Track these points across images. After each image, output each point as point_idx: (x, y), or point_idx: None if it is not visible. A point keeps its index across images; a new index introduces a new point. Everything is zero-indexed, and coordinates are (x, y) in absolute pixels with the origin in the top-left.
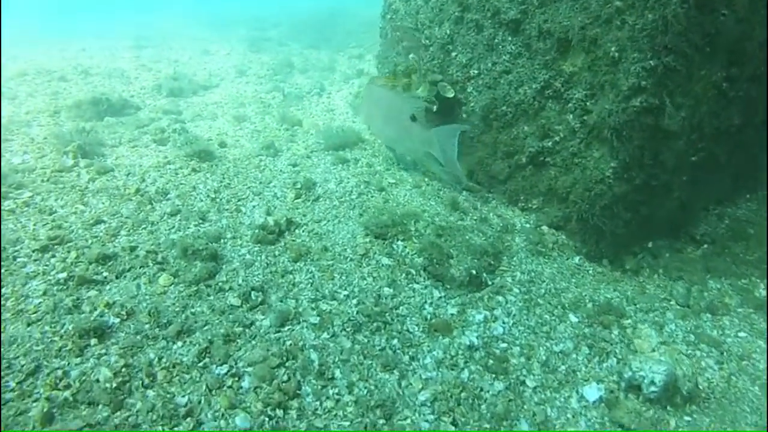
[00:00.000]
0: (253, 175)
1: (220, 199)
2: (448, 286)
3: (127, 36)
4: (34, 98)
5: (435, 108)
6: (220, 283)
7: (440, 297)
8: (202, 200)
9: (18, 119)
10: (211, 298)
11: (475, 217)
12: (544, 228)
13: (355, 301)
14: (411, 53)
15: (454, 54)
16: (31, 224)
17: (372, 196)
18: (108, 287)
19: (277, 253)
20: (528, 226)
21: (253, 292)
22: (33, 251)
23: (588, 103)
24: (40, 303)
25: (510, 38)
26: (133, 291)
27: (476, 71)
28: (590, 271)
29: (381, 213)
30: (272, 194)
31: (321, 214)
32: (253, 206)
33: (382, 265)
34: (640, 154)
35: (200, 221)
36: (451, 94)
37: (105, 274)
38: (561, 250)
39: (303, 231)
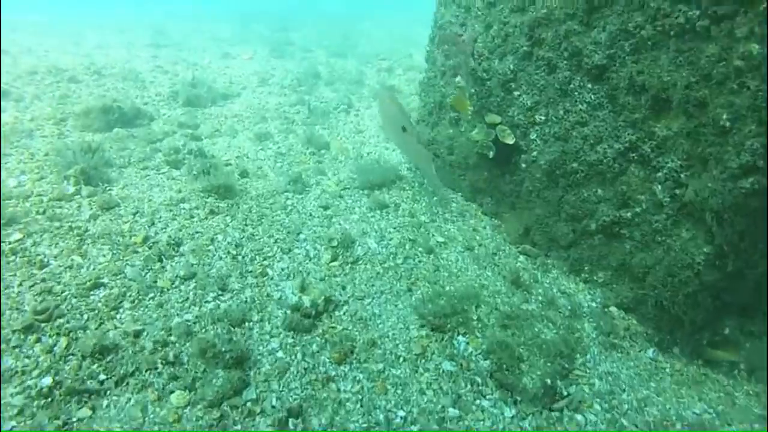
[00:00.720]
0: (279, 220)
1: (243, 257)
2: (520, 399)
3: (146, 30)
4: (40, 101)
5: (491, 154)
6: (248, 403)
7: (512, 416)
8: (221, 258)
9: (21, 128)
10: (238, 428)
11: (539, 297)
12: (613, 309)
13: (415, 429)
14: (461, 81)
15: (516, 93)
16: (17, 283)
17: (420, 261)
18: (104, 404)
19: (315, 347)
20: (595, 305)
21: (290, 419)
22: (14, 331)
23: (683, 176)
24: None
25: (590, 85)
26: (138, 415)
27: (543, 117)
28: (667, 370)
29: (437, 296)
30: (304, 252)
31: (363, 286)
32: (282, 270)
33: (444, 371)
34: (738, 239)
35: (220, 291)
36: (511, 141)
37: (102, 378)
38: (633, 339)
39: (344, 313)
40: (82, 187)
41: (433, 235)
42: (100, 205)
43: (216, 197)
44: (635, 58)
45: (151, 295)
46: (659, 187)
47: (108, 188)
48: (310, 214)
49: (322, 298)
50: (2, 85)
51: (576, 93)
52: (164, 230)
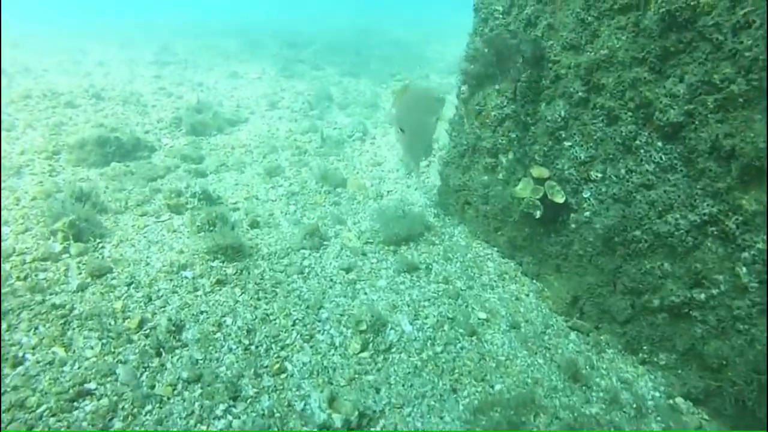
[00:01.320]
0: (296, 288)
1: (257, 347)
2: None
3: (151, 45)
4: (33, 130)
5: (538, 214)
6: None
7: None
8: (231, 349)
9: (8, 164)
10: None
11: (601, 394)
12: (680, 401)
13: None
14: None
15: (567, 144)
16: None
17: (462, 348)
18: None
19: None
20: (659, 396)
21: None
22: None
23: None
24: None
25: (661, 144)
26: None
27: (599, 174)
28: None
29: (489, 405)
30: (328, 339)
31: (401, 387)
32: (303, 365)
33: None
34: None
35: (231, 401)
36: (561, 200)
37: None
38: None
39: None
40: (71, 243)
41: (473, 309)
42: (90, 272)
43: (223, 259)
44: (721, 117)
45: (149, 407)
46: (744, 269)
47: (100, 245)
48: (331, 280)
49: (356, 413)
50: None
51: (642, 151)
52: (163, 309)
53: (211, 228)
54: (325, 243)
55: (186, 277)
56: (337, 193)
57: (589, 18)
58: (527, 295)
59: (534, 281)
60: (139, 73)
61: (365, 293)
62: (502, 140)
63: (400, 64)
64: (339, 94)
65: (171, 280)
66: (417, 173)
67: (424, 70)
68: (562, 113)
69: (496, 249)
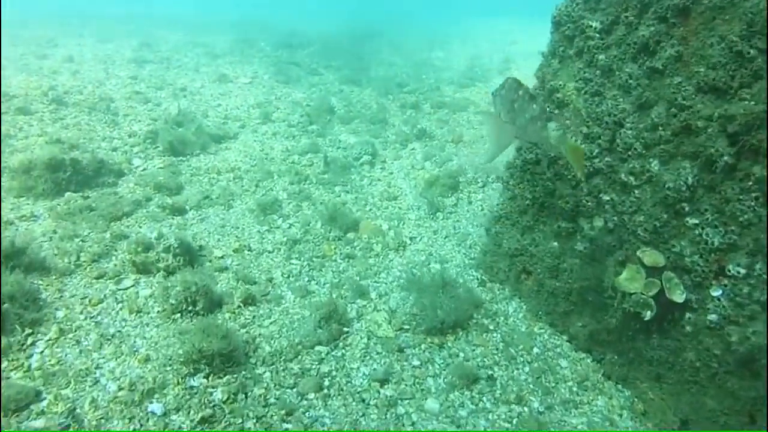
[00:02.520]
0: (317, 424)
1: None
2: None
3: (132, 40)
4: None
5: (649, 315)
6: None
7: None
8: None
9: None
10: None
11: None
12: None
13: None
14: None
15: (692, 221)
16: None
17: None
18: None
19: None
20: None
21: None
22: None
23: None
24: None
25: None
26: None
27: (742, 270)
28: None
29: None
30: None
31: None
32: None
33: None
34: None
35: None
36: (680, 298)
37: None
38: None
39: None
40: None
41: None
42: (4, 403)
43: (208, 372)
44: None
45: None
46: None
47: (30, 341)
48: (362, 399)
49: None
50: None
51: None
52: None
53: (191, 308)
54: (346, 330)
55: (153, 414)
56: (348, 240)
57: (751, 51)
58: (620, 415)
59: (621, 388)
60: (114, 73)
61: (412, 423)
62: (587, 201)
63: (404, 72)
64: (341, 105)
65: (131, 419)
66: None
67: (431, 80)
68: (690, 179)
69: (565, 338)
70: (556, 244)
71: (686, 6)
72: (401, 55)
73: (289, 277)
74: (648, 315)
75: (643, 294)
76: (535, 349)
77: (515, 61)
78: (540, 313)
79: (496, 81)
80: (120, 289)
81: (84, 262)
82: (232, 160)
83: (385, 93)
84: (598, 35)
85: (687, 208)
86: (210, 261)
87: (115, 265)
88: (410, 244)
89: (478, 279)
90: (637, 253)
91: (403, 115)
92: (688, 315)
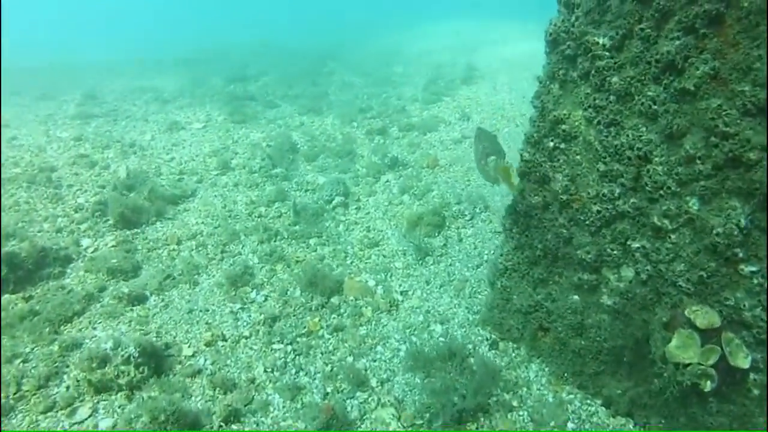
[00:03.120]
0: None
1: None
2: None
3: (76, 89)
4: None
5: (710, 386)
6: None
7: None
8: None
9: None
10: None
11: None
12: None
13: None
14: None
15: (749, 269)
16: None
17: None
18: None
19: None
20: None
21: None
22: None
23: None
24: None
25: None
26: None
27: None
28: None
29: None
30: None
31: None
32: None
33: None
34: None
35: None
36: (746, 363)
37: None
38: None
39: None
40: None
41: None
42: None
43: None
44: None
45: None
46: None
47: None
48: None
49: None
50: None
51: None
52: None
53: None
54: None
55: None
56: (333, 306)
57: None
58: None
59: None
60: (55, 135)
61: None
62: (612, 249)
63: (365, 93)
64: (304, 141)
65: None
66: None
67: (394, 99)
68: (742, 221)
69: (600, 402)
70: (576, 297)
71: (719, 12)
72: (359, 73)
73: (273, 371)
74: (708, 386)
75: (701, 364)
76: (570, 425)
77: (478, 68)
78: (566, 374)
79: (462, 93)
80: (74, 424)
81: (27, 391)
82: (193, 224)
83: (349, 120)
84: (607, 54)
85: (740, 254)
86: (180, 363)
87: (67, 388)
88: (403, 301)
89: (488, 339)
90: (686, 313)
91: (371, 143)
92: (753, 376)
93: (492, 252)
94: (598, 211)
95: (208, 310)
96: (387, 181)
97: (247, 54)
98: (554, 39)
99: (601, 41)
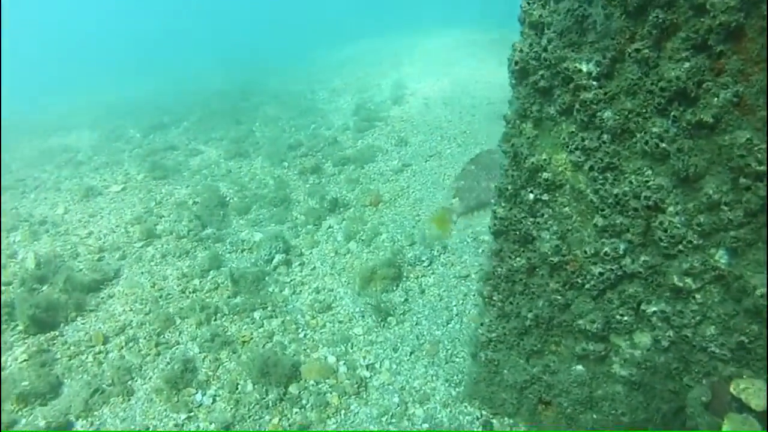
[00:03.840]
0: None
1: None
2: None
3: None
4: None
5: None
6: None
7: None
8: None
9: None
10: None
11: None
12: None
13: None
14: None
15: None
16: None
17: None
18: None
19: None
20: None
21: None
22: None
23: None
24: None
25: None
26: None
27: None
28: None
29: None
30: None
31: None
32: None
33: None
34: None
35: None
36: None
37: None
38: None
39: None
40: None
41: None
42: None
43: None
44: None
45: None
46: None
47: None
48: None
49: None
50: None
51: None
52: None
53: None
54: None
55: None
56: (293, 398)
57: None
58: None
59: None
60: None
61: None
62: (622, 315)
63: (292, 127)
64: (233, 192)
65: None
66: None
67: (323, 130)
68: None
69: None
70: (581, 368)
71: (738, 24)
72: (282, 105)
73: None
74: None
75: None
76: None
77: (407, 85)
78: None
79: (394, 114)
80: None
81: None
82: (120, 314)
83: (279, 160)
84: (595, 83)
85: None
86: None
87: None
88: (371, 378)
89: (478, 418)
90: (732, 390)
91: (306, 185)
92: None
93: (461, 302)
94: (601, 273)
95: (148, 429)
96: (329, 227)
97: (164, 97)
98: (521, 68)
99: (585, 68)
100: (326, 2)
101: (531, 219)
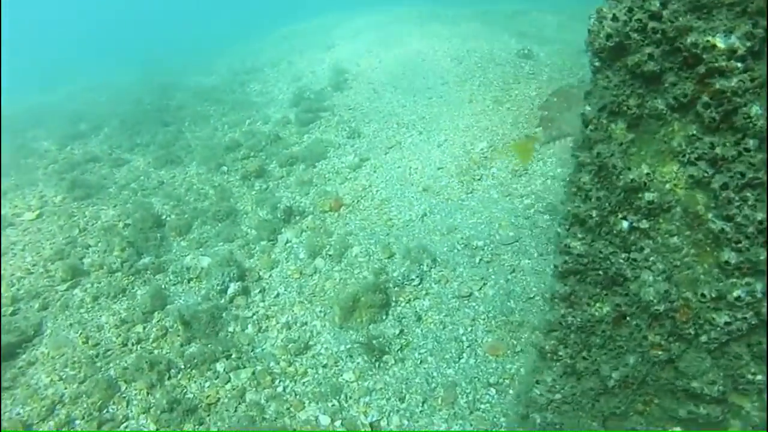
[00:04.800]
0: None
1: None
2: None
3: None
4: None
5: None
6: None
7: None
8: None
9: None
10: None
11: None
12: None
13: None
14: None
15: None
16: None
17: None
18: None
19: None
20: None
21: None
22: None
23: None
24: None
25: None
26: None
27: None
28: None
29: None
30: None
31: None
32: None
33: None
34: None
35: None
36: None
37: None
38: None
39: None
40: None
41: None
42: None
43: None
44: None
45: None
46: None
47: None
48: None
49: None
50: None
51: None
52: None
53: None
54: None
55: None
56: None
57: None
58: None
59: None
60: None
61: None
62: (753, 374)
63: (226, 124)
64: (169, 207)
65: None
66: None
67: (261, 125)
68: None
69: None
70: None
71: None
72: (213, 100)
73: None
74: None
75: None
76: None
77: (348, 69)
78: None
79: (339, 102)
80: None
81: None
82: (46, 387)
83: (217, 165)
84: (739, 65)
85: None
86: None
87: None
88: None
89: None
90: None
91: (252, 192)
92: None
93: (469, 329)
94: (728, 323)
95: None
96: (287, 242)
97: (75, 102)
98: (616, 45)
99: (722, 43)
100: None
101: (623, 255)
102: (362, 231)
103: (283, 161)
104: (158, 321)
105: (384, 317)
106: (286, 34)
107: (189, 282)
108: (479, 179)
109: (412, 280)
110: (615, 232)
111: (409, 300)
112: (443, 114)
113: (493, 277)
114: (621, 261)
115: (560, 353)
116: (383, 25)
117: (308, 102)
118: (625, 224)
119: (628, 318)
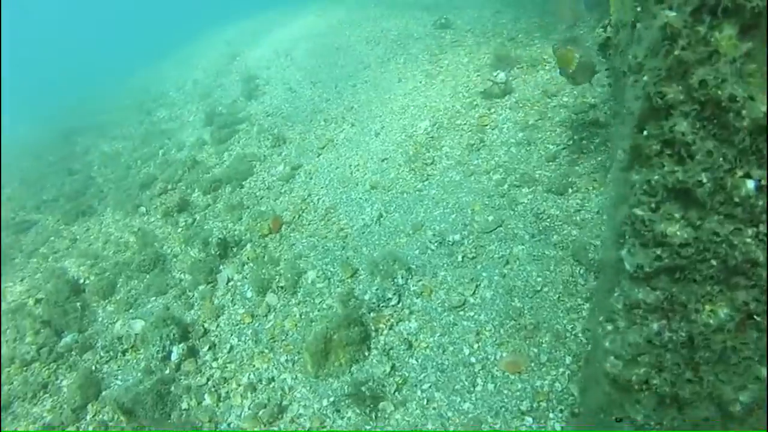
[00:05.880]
0: None
1: None
2: None
3: None
4: None
5: None
6: None
7: None
8: None
9: None
10: None
11: None
12: None
13: None
14: None
15: None
16: None
17: None
18: None
19: None
20: None
21: None
22: None
23: None
24: None
25: None
26: None
27: None
28: None
29: None
30: None
31: None
32: None
33: None
34: None
35: None
36: None
37: None
38: None
39: None
40: None
41: None
42: None
43: None
44: None
45: None
46: None
47: None
48: None
49: None
50: None
51: None
52: None
53: None
54: None
55: None
56: None
57: None
58: None
59: None
60: None
61: None
62: None
63: (137, 158)
64: (87, 268)
65: None
66: None
67: (176, 152)
68: None
69: None
70: None
71: None
72: (120, 137)
73: None
74: None
75: None
76: None
77: (258, 75)
78: None
79: (256, 111)
80: None
81: None
82: None
83: (134, 207)
84: None
85: None
86: None
87: None
88: None
89: None
90: None
91: (177, 230)
92: None
93: (476, 347)
94: None
95: None
96: (229, 281)
97: None
98: None
99: None
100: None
101: (751, 229)
102: (313, 250)
103: (206, 187)
104: (94, 416)
105: (366, 354)
106: (185, 55)
107: (124, 355)
108: (432, 163)
109: (389, 299)
110: (737, 199)
111: (391, 325)
112: (373, 100)
113: (484, 275)
114: (748, 240)
115: (654, 381)
116: (285, 24)
117: (222, 117)
118: (750, 185)
119: (757, 318)
